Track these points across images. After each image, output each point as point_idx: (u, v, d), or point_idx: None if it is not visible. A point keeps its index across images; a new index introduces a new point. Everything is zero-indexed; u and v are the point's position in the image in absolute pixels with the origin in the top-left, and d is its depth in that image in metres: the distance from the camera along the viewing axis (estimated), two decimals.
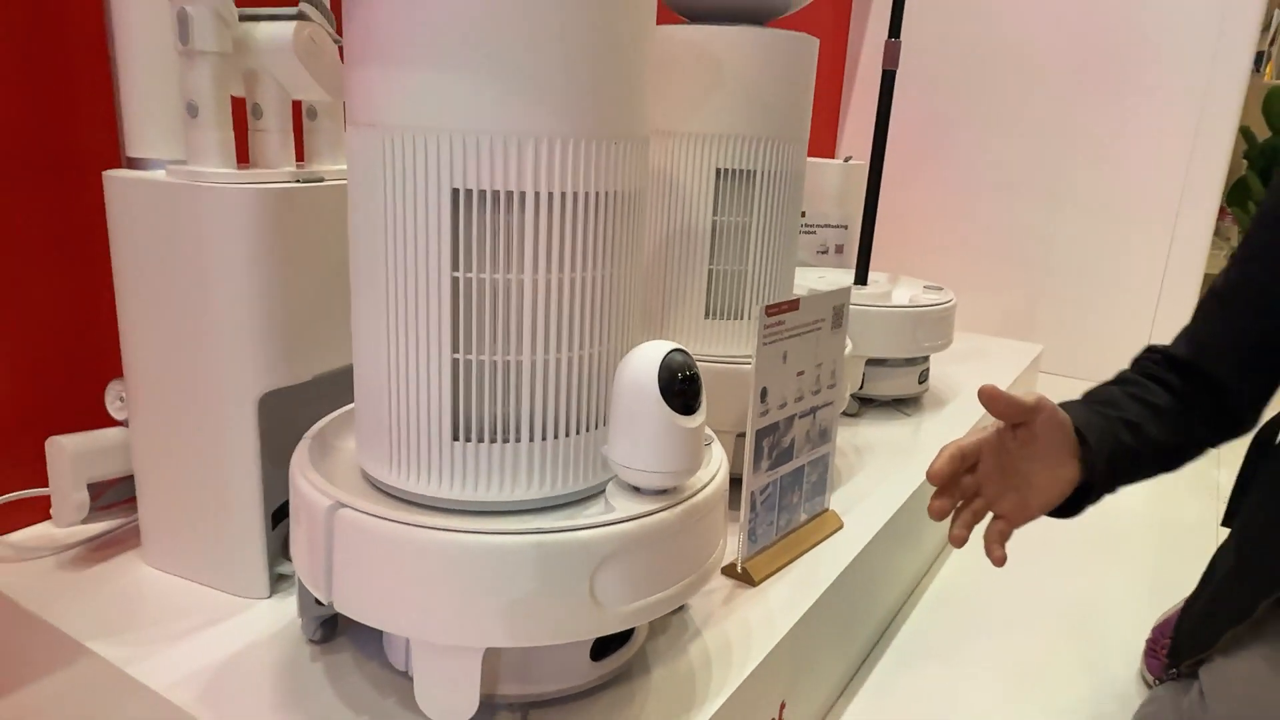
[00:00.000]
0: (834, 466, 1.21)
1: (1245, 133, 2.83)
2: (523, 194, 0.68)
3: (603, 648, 0.82)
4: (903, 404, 1.79)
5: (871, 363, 1.72)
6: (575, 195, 0.69)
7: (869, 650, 1.29)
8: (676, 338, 1.25)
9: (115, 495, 1.06)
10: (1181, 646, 0.94)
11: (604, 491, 0.78)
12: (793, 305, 1.03)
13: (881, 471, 1.44)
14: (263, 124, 0.93)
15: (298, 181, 0.91)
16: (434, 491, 0.74)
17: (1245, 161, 2.86)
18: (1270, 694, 0.80)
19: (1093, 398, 0.89)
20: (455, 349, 0.70)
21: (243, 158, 0.97)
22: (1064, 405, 0.83)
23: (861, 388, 1.73)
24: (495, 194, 0.67)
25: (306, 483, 0.74)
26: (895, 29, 1.70)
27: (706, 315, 1.24)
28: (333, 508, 0.71)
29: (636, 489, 0.75)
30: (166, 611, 0.94)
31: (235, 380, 0.90)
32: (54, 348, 1.08)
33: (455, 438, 0.72)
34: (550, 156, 0.67)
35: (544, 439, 0.74)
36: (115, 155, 0.98)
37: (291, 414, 0.94)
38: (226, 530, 0.95)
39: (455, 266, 0.69)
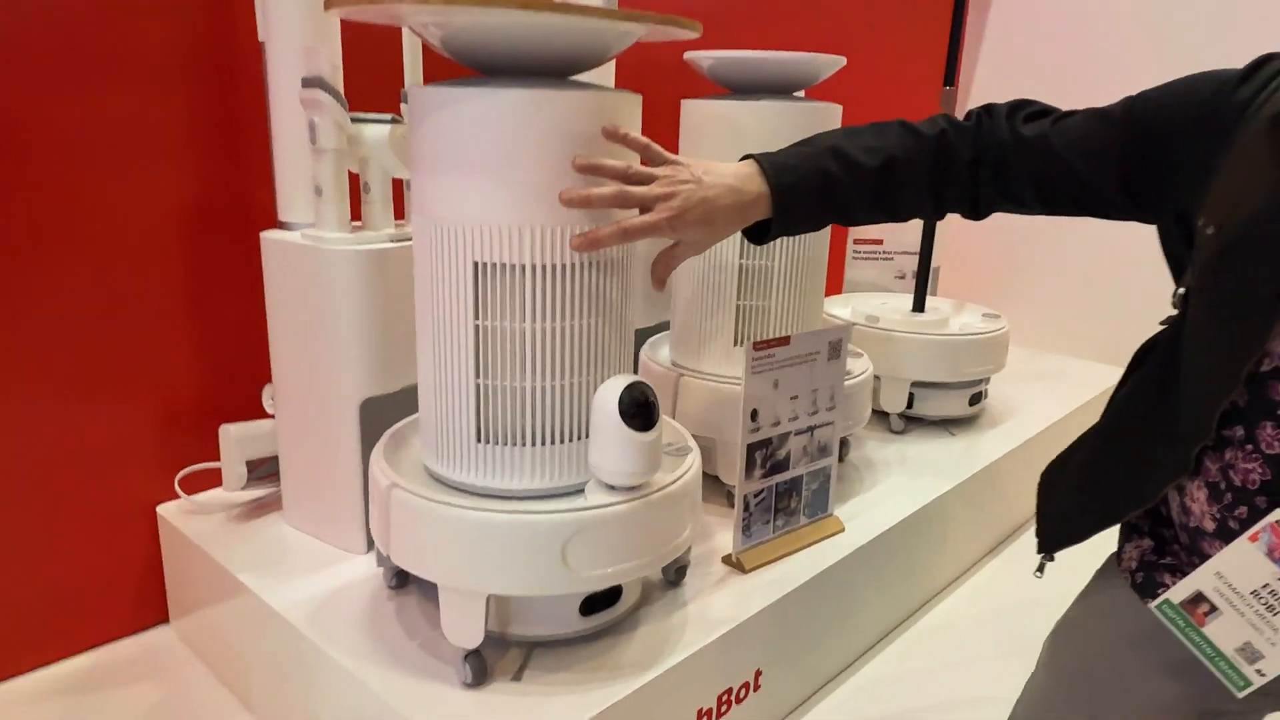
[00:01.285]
0: (835, 477, 1.39)
1: None
2: (524, 265, 0.94)
3: (591, 606, 1.07)
4: (951, 424, 1.92)
5: (921, 384, 1.86)
6: (562, 266, 0.94)
7: (860, 653, 1.46)
8: (709, 362, 1.47)
9: (267, 470, 1.41)
10: (1050, 538, 0.95)
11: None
12: (782, 341, 1.23)
13: (904, 487, 1.60)
14: (370, 196, 1.24)
15: (393, 241, 1.21)
16: (464, 479, 1.01)
17: None
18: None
19: (832, 140, 0.92)
20: (477, 375, 0.97)
21: (357, 216, 1.28)
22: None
23: (910, 407, 1.87)
24: (505, 265, 0.94)
25: (376, 468, 1.03)
26: (950, 76, 1.83)
27: (735, 343, 1.46)
28: (390, 487, 0.99)
29: (609, 486, 0.99)
30: (294, 557, 1.27)
31: (344, 389, 1.21)
32: (227, 357, 1.44)
33: (478, 440, 0.99)
34: (543, 239, 0.93)
35: (544, 444, 1.00)
36: (274, 217, 1.32)
37: (386, 414, 1.24)
38: (337, 501, 1.27)
39: (477, 316, 0.96)
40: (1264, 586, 0.73)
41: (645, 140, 0.91)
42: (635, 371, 1.63)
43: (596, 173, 0.90)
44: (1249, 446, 0.76)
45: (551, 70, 0.97)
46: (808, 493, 1.36)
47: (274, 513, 1.40)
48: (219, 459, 1.40)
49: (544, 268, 0.94)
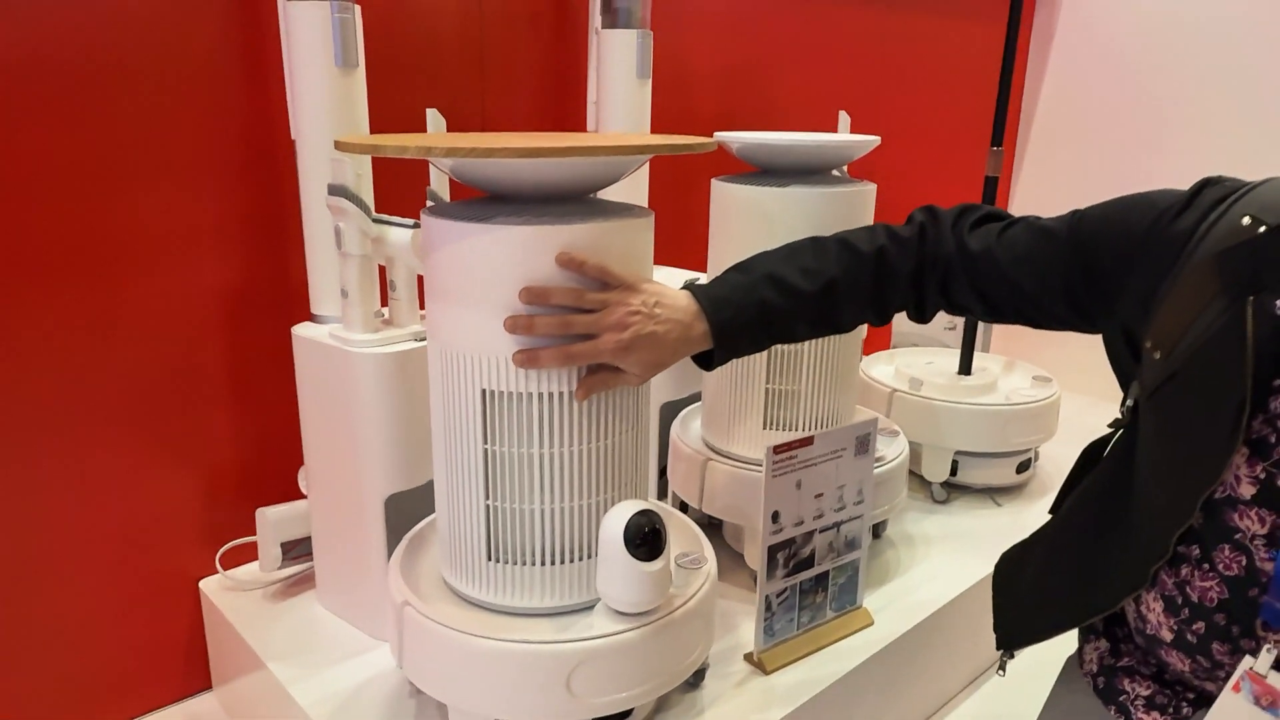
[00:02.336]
0: (865, 569, 1.36)
1: None
2: (531, 393, 0.94)
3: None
4: (997, 493, 1.86)
5: (965, 453, 1.81)
6: (566, 393, 0.94)
7: None
8: (739, 445, 1.45)
9: (302, 550, 1.45)
10: (1009, 636, 0.97)
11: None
12: (805, 441, 1.21)
13: (943, 568, 1.56)
14: (396, 294, 1.26)
15: (417, 340, 1.23)
16: (476, 595, 1.02)
17: None
18: None
19: (770, 266, 0.94)
20: (487, 497, 0.98)
21: (384, 301, 1.30)
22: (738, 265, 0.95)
23: (954, 475, 1.82)
24: (512, 393, 0.94)
25: (390, 582, 1.05)
26: (998, 137, 1.78)
27: (764, 426, 1.44)
28: (402, 604, 1.01)
29: (618, 612, 0.99)
30: (324, 644, 1.30)
31: (368, 484, 1.23)
32: (266, 437, 1.48)
33: (489, 559, 1.00)
34: (548, 369, 0.93)
35: (553, 564, 1.00)
36: (307, 310, 1.36)
37: (412, 508, 1.26)
38: (365, 589, 1.29)
39: (485, 441, 0.96)
40: None
41: (601, 265, 0.91)
42: (663, 451, 1.63)
43: (546, 302, 0.90)
44: (1205, 566, 0.77)
45: (565, 195, 0.97)
46: (834, 587, 1.33)
47: (309, 590, 1.43)
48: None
49: (550, 395, 0.94)
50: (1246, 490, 0.73)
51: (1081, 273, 0.86)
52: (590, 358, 0.90)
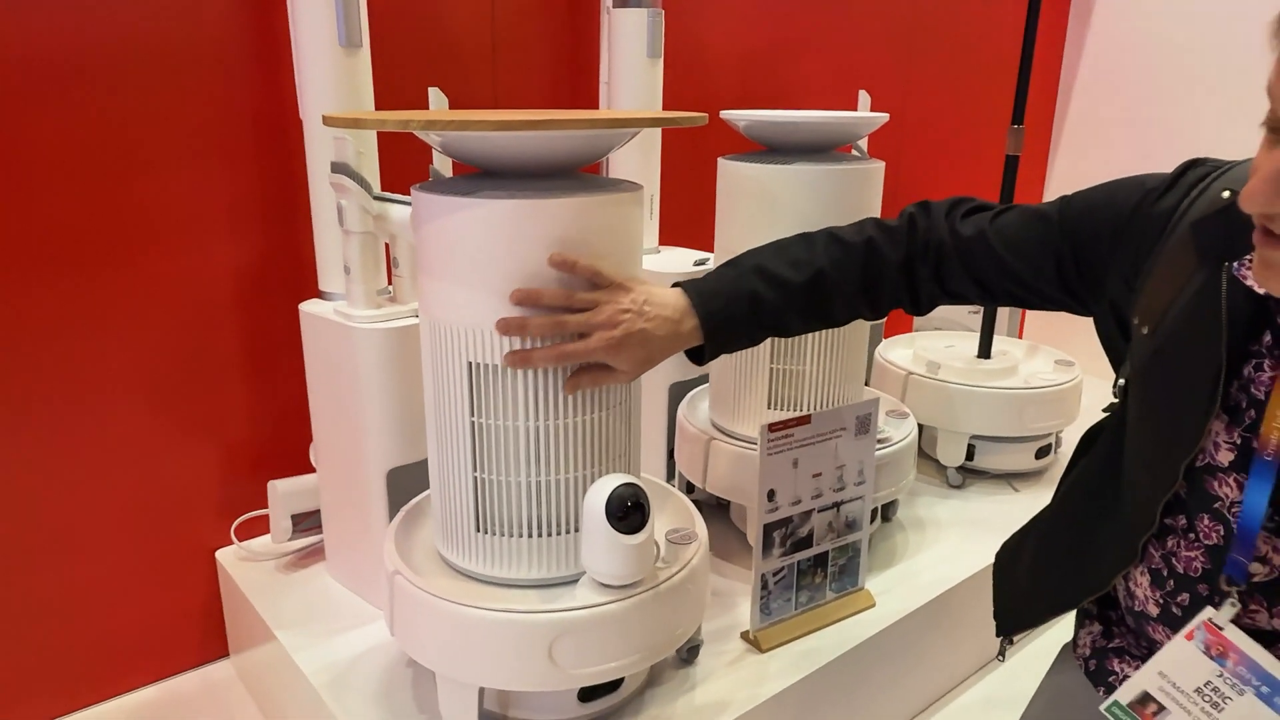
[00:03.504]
0: (866, 550, 1.35)
1: None
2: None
3: (590, 692, 1.07)
4: (1015, 478, 1.83)
5: (982, 436, 1.78)
6: (553, 367, 0.95)
7: None
8: (743, 425, 1.45)
9: (312, 523, 1.48)
10: (1007, 622, 0.99)
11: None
12: (802, 420, 1.20)
13: (953, 552, 1.54)
14: (399, 271, 1.28)
15: (418, 316, 1.24)
16: (467, 566, 1.04)
17: None
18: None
19: (758, 259, 0.96)
20: (475, 469, 0.99)
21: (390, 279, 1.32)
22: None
23: (971, 459, 1.79)
24: (497, 366, 0.95)
25: (385, 551, 1.07)
26: (1019, 114, 1.74)
27: (769, 405, 1.43)
28: (393, 573, 1.03)
29: (601, 584, 0.99)
30: (331, 614, 1.33)
31: (371, 458, 1.26)
32: (280, 412, 1.51)
33: (478, 530, 1.02)
34: (530, 342, 0.94)
35: (542, 536, 1.01)
36: (317, 288, 1.39)
37: (413, 482, 1.28)
38: (370, 560, 1.32)
39: (473, 413, 0.98)
40: (1206, 684, 0.75)
41: (594, 267, 0.92)
42: (670, 429, 1.63)
43: (537, 304, 0.91)
44: (1191, 536, 0.78)
45: (553, 170, 0.98)
46: (834, 568, 1.32)
47: (320, 562, 1.47)
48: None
49: (541, 369, 0.94)
50: (1225, 456, 0.74)
51: (1071, 252, 0.87)
52: (582, 356, 0.91)
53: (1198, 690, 0.75)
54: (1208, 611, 0.75)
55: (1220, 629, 0.74)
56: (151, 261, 1.33)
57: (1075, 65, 2.69)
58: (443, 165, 1.30)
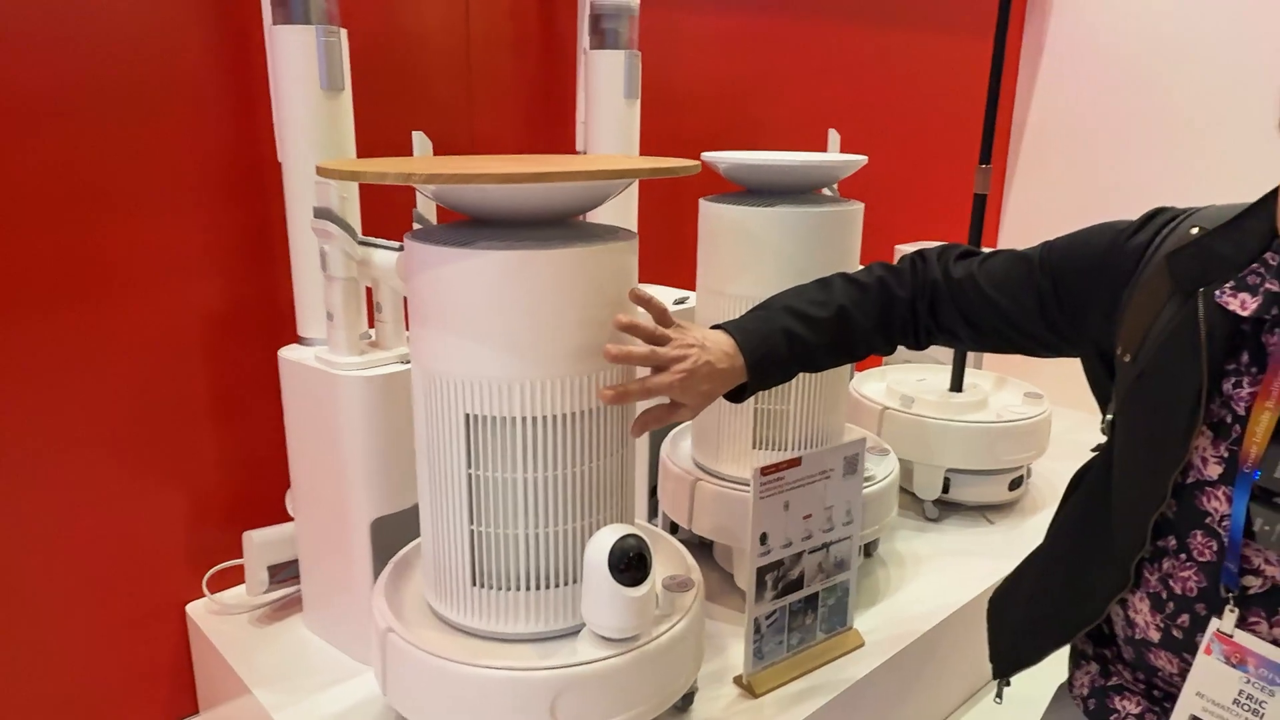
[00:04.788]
0: (855, 589, 1.35)
1: None
2: (515, 418, 0.93)
3: None
4: (989, 510, 1.85)
5: (957, 470, 1.80)
6: (550, 418, 0.94)
7: None
8: (728, 465, 1.45)
9: (289, 573, 1.44)
10: (1004, 662, 1.01)
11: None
12: (793, 463, 1.21)
13: (934, 587, 1.55)
14: (383, 316, 1.26)
15: (402, 362, 1.22)
16: (462, 622, 1.01)
17: None
18: None
19: (785, 300, 1.01)
20: (471, 522, 0.97)
21: (371, 324, 1.29)
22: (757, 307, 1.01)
23: (946, 492, 1.82)
24: (495, 418, 0.94)
25: (375, 608, 1.04)
26: (986, 154, 1.78)
27: (754, 446, 1.43)
28: (386, 630, 1.00)
29: (603, 637, 0.98)
30: (310, 669, 1.29)
31: (354, 507, 1.23)
32: (255, 459, 1.47)
33: (474, 584, 0.99)
34: (532, 394, 0.93)
35: (539, 589, 0.99)
36: (295, 333, 1.35)
37: (398, 532, 1.26)
38: (352, 613, 1.28)
39: (469, 465, 0.96)
40: (1240, 693, 0.78)
41: (663, 305, 0.96)
42: (654, 470, 1.62)
43: (633, 332, 0.94)
44: (1183, 556, 0.82)
45: (548, 219, 0.97)
46: (824, 609, 1.32)
47: (296, 614, 1.42)
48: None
49: (534, 420, 0.93)
50: (1213, 470, 0.79)
51: (1053, 288, 0.93)
52: (664, 390, 0.94)
53: (1235, 702, 0.78)
54: (1214, 623, 0.79)
55: (1230, 636, 0.78)
56: (122, 305, 1.29)
57: (1027, 105, 2.77)
58: (426, 210, 1.29)
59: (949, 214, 2.67)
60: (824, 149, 1.90)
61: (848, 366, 1.47)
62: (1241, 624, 0.78)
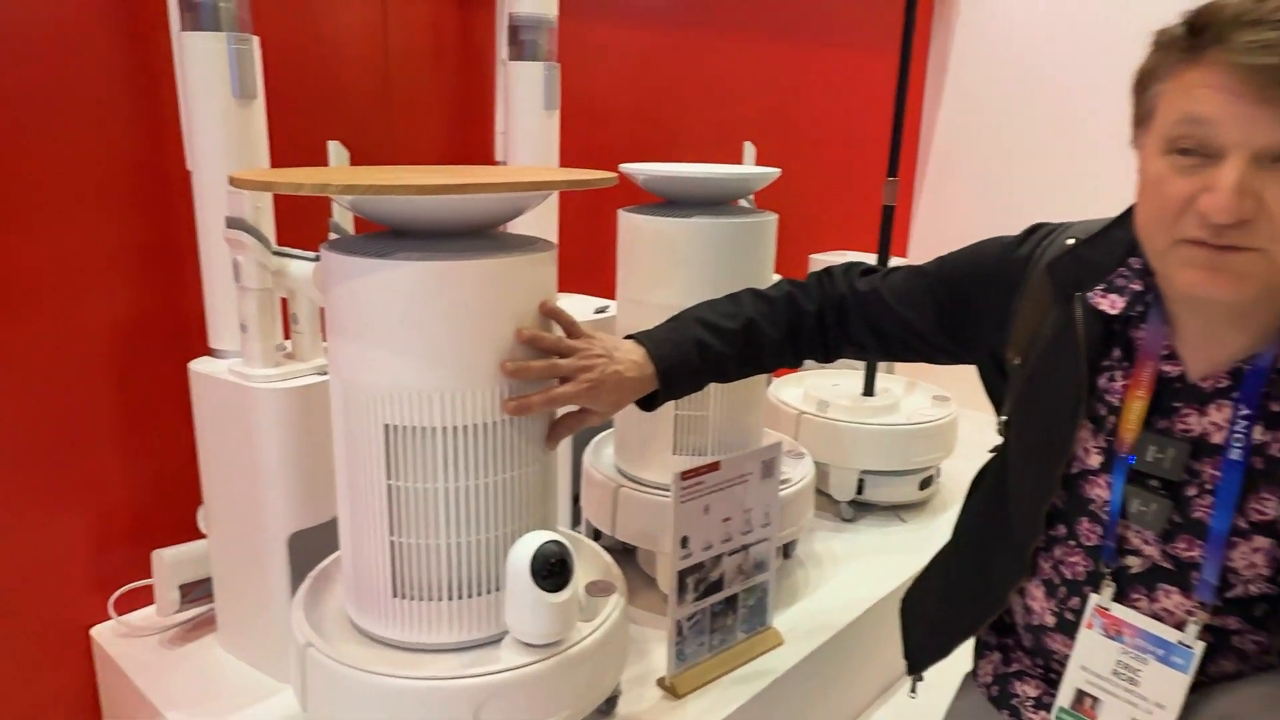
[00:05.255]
0: (773, 590, 1.39)
1: None
2: (434, 428, 0.94)
3: None
4: (902, 510, 1.92)
5: (871, 471, 1.86)
6: (470, 427, 0.94)
7: None
8: (650, 471, 1.47)
9: (202, 591, 1.40)
10: (916, 658, 1.08)
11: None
12: (712, 467, 1.24)
13: (850, 586, 1.60)
14: (299, 327, 1.24)
15: (319, 373, 1.21)
16: (383, 634, 1.01)
17: None
18: None
19: (696, 313, 1.05)
20: (391, 533, 0.97)
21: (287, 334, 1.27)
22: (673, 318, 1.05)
23: (860, 493, 1.88)
24: (415, 428, 0.94)
25: (294, 623, 1.03)
26: (893, 167, 1.86)
27: (674, 452, 1.46)
28: (305, 644, 0.99)
29: (525, 644, 0.99)
30: (225, 690, 1.26)
31: (271, 522, 1.20)
32: (164, 476, 1.43)
33: (395, 595, 0.99)
34: (451, 403, 0.93)
35: (461, 598, 0.99)
36: (206, 345, 1.32)
37: (316, 545, 1.24)
38: (268, 630, 1.26)
39: (389, 476, 0.96)
40: (1119, 663, 0.85)
41: (572, 317, 0.99)
42: (575, 476, 1.64)
43: (538, 346, 0.96)
44: (1072, 542, 0.89)
45: (466, 230, 0.98)
46: (744, 609, 1.35)
47: (209, 633, 1.38)
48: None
49: (453, 429, 0.94)
50: (1095, 460, 0.86)
51: (949, 298, 1.00)
52: (570, 400, 0.97)
53: (1114, 672, 0.85)
54: (1094, 598, 0.86)
55: (1108, 610, 0.85)
56: (22, 318, 1.24)
57: (934, 119, 2.89)
58: (343, 219, 1.28)
59: (862, 224, 2.76)
60: (740, 160, 1.95)
61: (763, 380, 1.52)
62: (1124, 602, 0.85)
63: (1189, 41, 0.72)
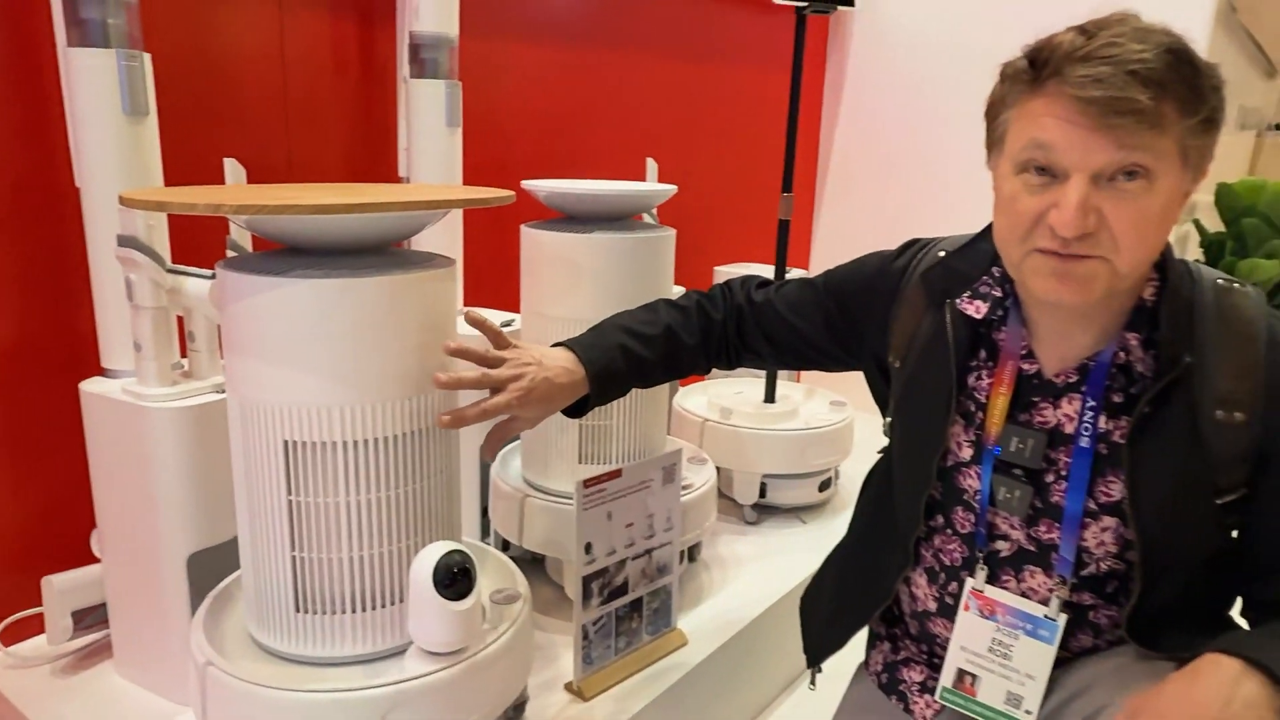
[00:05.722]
0: (677, 592, 1.44)
1: (1197, 225, 2.95)
2: (335, 443, 0.95)
3: None
4: (802, 511, 2.00)
5: (773, 475, 1.94)
6: (371, 441, 0.96)
7: None
8: (556, 480, 1.50)
9: (96, 618, 1.36)
10: (814, 650, 1.14)
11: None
12: (614, 474, 1.28)
13: (753, 585, 1.66)
14: (195, 345, 1.23)
15: (217, 391, 1.20)
16: (286, 650, 1.01)
17: (1203, 254, 2.98)
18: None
19: (618, 320, 1.10)
20: (294, 549, 0.98)
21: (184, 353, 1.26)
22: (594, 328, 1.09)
23: (763, 497, 1.95)
24: (315, 443, 0.95)
25: (193, 642, 1.02)
26: (787, 182, 1.94)
27: (580, 461, 1.49)
28: (205, 664, 0.98)
29: (429, 653, 1.00)
30: (124, 716, 1.23)
31: (169, 543, 1.19)
32: (53, 500, 1.39)
33: (297, 610, 1.00)
34: (351, 418, 0.94)
35: (363, 610, 1.01)
36: (98, 365, 1.29)
37: (216, 565, 1.22)
38: (168, 653, 1.24)
39: (289, 492, 0.96)
40: (994, 640, 0.92)
41: (498, 328, 1.02)
42: (483, 488, 1.65)
43: (466, 357, 0.98)
44: (949, 531, 0.96)
45: (364, 247, 0.99)
46: (649, 611, 1.40)
47: (105, 660, 1.35)
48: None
49: (354, 444, 0.95)
50: (966, 453, 0.94)
51: (836, 307, 1.07)
52: (502, 409, 0.98)
53: (990, 649, 0.92)
54: (970, 582, 0.93)
55: (982, 591, 0.93)
56: None
57: (832, 135, 3.01)
58: (240, 236, 1.27)
59: (765, 237, 2.85)
60: (643, 177, 2.00)
61: (668, 384, 1.57)
62: (995, 584, 0.93)
63: (1031, 74, 0.80)
